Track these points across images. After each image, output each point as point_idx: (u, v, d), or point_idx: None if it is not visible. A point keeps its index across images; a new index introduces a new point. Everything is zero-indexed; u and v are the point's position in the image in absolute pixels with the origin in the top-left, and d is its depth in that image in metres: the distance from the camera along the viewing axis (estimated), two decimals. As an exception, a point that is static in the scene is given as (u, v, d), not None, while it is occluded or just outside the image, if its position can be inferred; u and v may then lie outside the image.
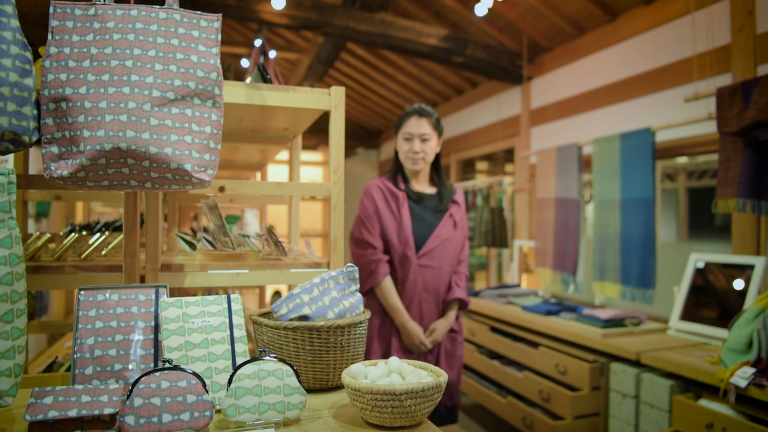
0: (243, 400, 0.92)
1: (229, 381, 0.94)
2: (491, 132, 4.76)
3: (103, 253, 1.56)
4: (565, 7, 3.43)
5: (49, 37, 1.03)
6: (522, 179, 4.20)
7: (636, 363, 2.25)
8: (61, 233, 1.76)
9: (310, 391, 1.14)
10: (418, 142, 2.11)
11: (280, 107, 1.41)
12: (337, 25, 3.73)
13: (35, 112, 1.02)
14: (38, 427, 0.82)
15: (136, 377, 0.89)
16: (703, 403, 1.91)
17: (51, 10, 1.04)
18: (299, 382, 0.97)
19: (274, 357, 0.98)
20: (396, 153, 2.22)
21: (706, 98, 2.48)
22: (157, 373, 0.89)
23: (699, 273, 2.47)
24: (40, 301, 3.27)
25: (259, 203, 2.77)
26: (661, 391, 2.07)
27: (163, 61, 1.04)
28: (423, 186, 2.21)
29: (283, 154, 3.55)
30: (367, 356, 2.06)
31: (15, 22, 0.99)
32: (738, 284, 2.29)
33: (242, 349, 1.07)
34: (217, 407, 1.00)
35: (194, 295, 1.64)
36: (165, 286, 1.15)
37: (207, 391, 0.90)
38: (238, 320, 1.11)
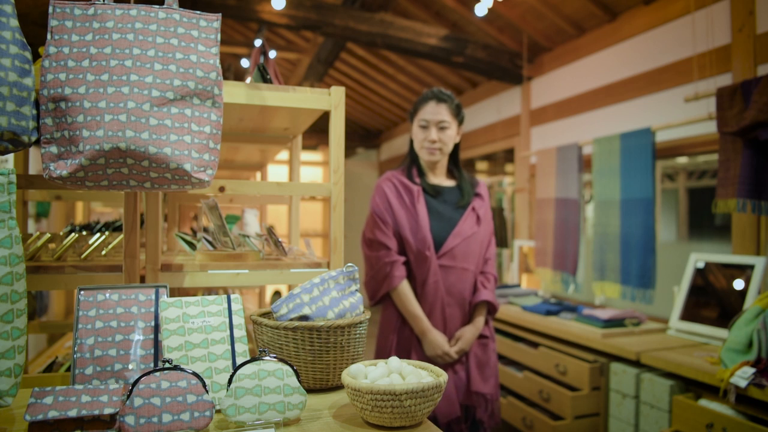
0: (243, 400, 0.92)
1: (229, 381, 0.94)
2: (491, 132, 4.76)
3: (103, 253, 1.56)
4: (565, 7, 3.43)
5: (49, 36, 1.03)
6: (522, 179, 4.20)
7: (636, 363, 2.25)
8: (61, 233, 1.75)
9: (310, 391, 1.14)
10: (435, 130, 1.89)
11: (280, 107, 1.41)
12: (337, 25, 3.72)
13: (34, 111, 1.02)
14: (38, 427, 0.82)
15: (136, 377, 0.88)
16: (703, 403, 1.91)
17: (50, 9, 1.03)
18: (299, 382, 0.97)
19: (274, 357, 0.98)
20: (411, 142, 2.00)
21: (706, 98, 2.48)
22: (157, 373, 0.89)
23: (699, 273, 2.47)
24: (40, 301, 3.27)
25: (259, 203, 2.76)
26: (661, 391, 2.07)
27: (162, 61, 1.04)
28: (440, 179, 2.00)
29: (283, 154, 3.56)
30: None
31: (14, 22, 0.99)
32: (738, 284, 2.28)
33: (242, 349, 1.07)
34: (217, 407, 0.99)
35: (194, 295, 1.64)
36: (165, 286, 1.15)
37: (207, 391, 0.90)
38: (238, 320, 1.10)
